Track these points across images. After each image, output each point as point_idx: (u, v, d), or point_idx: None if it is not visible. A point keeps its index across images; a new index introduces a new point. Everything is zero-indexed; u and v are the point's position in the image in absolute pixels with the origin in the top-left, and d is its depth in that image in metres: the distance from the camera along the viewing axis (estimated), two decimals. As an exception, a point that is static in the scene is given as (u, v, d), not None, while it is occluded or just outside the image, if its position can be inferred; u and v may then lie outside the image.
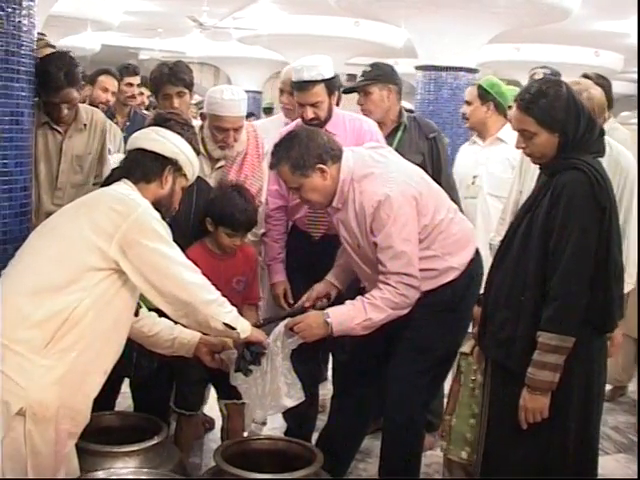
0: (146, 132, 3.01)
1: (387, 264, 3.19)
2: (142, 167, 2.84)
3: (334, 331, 3.21)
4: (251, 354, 3.05)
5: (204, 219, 3.63)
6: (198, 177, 3.28)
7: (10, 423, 2.45)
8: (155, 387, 3.65)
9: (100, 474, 2.80)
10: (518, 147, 2.95)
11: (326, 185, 3.26)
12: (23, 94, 3.16)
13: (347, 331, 3.24)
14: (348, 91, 4.48)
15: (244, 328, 2.93)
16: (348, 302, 3.25)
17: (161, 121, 3.17)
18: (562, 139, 2.80)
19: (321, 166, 3.22)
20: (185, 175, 2.94)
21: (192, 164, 2.96)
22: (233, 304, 2.93)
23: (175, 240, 2.78)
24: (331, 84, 3.93)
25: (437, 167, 4.34)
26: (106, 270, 2.59)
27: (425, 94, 8.43)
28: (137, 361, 3.42)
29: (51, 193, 3.68)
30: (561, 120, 2.78)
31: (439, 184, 4.21)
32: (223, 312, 2.82)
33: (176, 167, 2.89)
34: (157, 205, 2.81)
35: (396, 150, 4.18)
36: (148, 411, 3.43)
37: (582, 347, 2.75)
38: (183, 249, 2.84)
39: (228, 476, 2.92)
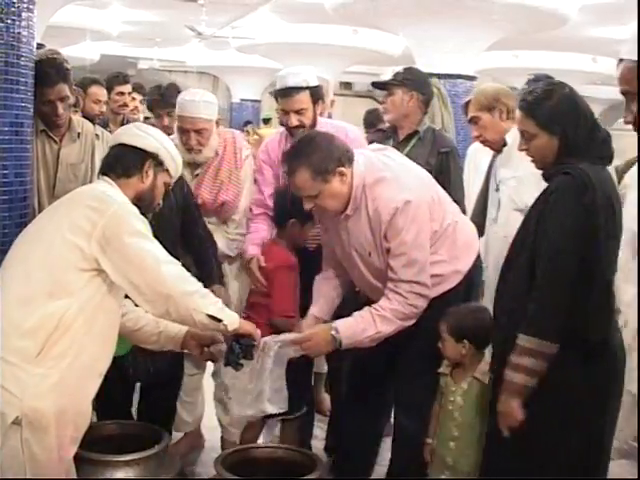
0: (127, 127, 3.05)
1: (399, 272, 3.16)
2: (122, 161, 2.83)
3: (343, 345, 3.16)
4: (240, 347, 2.91)
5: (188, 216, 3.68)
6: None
7: (6, 433, 2.45)
8: (162, 396, 3.65)
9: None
10: (520, 149, 2.90)
11: (343, 190, 3.17)
12: (22, 105, 3.17)
13: (355, 344, 3.19)
14: (377, 86, 4.59)
15: (232, 320, 2.81)
16: (357, 314, 3.19)
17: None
18: (562, 143, 2.76)
19: (341, 169, 3.14)
20: (167, 171, 2.92)
21: (174, 159, 2.94)
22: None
23: (158, 238, 2.76)
24: (315, 92, 3.95)
25: (445, 182, 4.34)
26: (89, 271, 2.58)
27: (423, 101, 8.41)
28: (150, 365, 3.42)
29: (50, 201, 3.70)
30: (561, 123, 2.74)
31: None
32: (206, 303, 2.73)
33: (157, 161, 2.88)
34: (139, 200, 2.81)
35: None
36: (153, 418, 3.44)
37: (586, 362, 2.68)
38: (167, 247, 2.78)
39: (229, 485, 2.92)
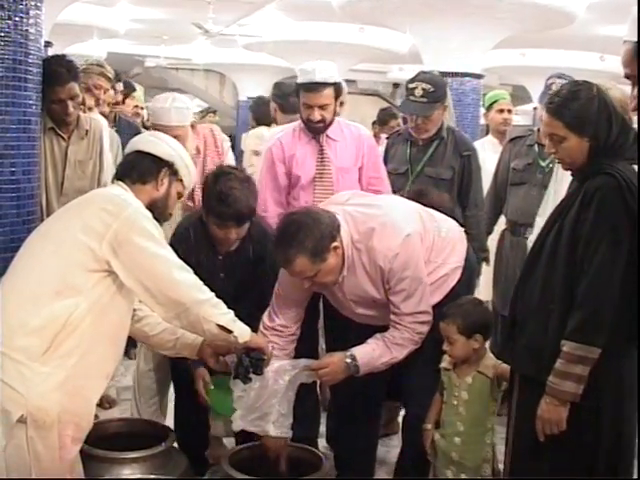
0: (144, 135, 3.07)
1: (400, 306, 3.18)
2: (138, 168, 2.85)
3: (360, 371, 3.19)
4: (250, 360, 2.95)
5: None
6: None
7: (12, 431, 2.45)
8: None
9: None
10: (549, 152, 2.85)
11: (339, 262, 3.15)
12: (30, 102, 3.18)
13: (371, 370, 3.22)
14: (415, 108, 4.37)
15: (242, 332, 2.84)
16: (371, 342, 3.21)
17: (221, 174, 3.37)
18: (593, 144, 2.68)
19: (335, 244, 3.10)
20: (181, 180, 2.94)
21: (189, 169, 2.97)
22: None
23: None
24: (338, 88, 3.96)
25: (467, 185, 4.35)
26: (99, 272, 2.59)
27: (430, 100, 8.40)
28: None
29: (58, 199, 3.71)
30: (591, 124, 2.67)
31: (466, 201, 4.31)
32: (217, 313, 2.75)
33: (172, 170, 2.90)
34: (152, 207, 2.81)
35: (428, 161, 4.29)
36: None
37: (612, 360, 2.62)
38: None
39: (235, 482, 2.92)
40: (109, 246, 2.56)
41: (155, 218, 2.77)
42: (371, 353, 3.19)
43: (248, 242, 3.53)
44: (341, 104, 4.08)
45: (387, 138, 4.93)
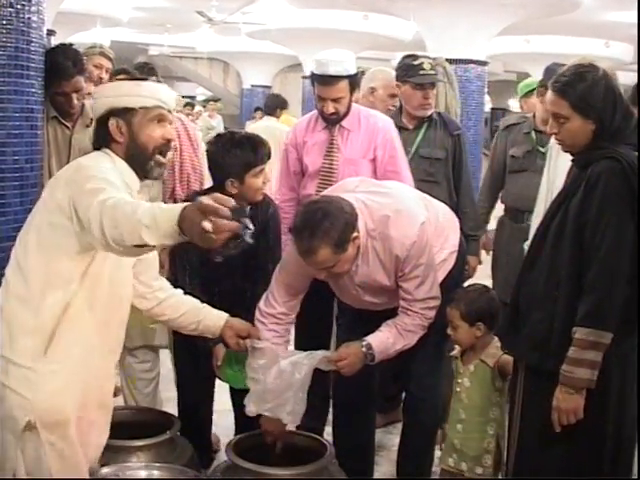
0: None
1: (413, 292, 3.17)
2: (95, 136, 2.61)
3: (375, 359, 3.18)
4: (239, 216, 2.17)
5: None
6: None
7: (22, 438, 2.41)
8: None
9: (111, 470, 2.80)
10: (550, 132, 2.82)
11: (356, 250, 3.09)
12: (33, 90, 3.18)
13: (384, 357, 3.21)
14: (426, 80, 4.37)
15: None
16: (384, 330, 3.19)
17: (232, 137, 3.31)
18: (597, 127, 2.65)
19: (355, 234, 3.04)
20: (141, 109, 2.55)
21: (136, 91, 2.58)
22: None
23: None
24: (354, 80, 3.90)
25: (459, 165, 4.37)
26: (82, 253, 2.41)
27: (435, 87, 8.40)
28: None
29: None
30: (597, 107, 2.64)
31: (459, 182, 4.32)
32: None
33: (118, 113, 2.54)
34: (133, 162, 2.55)
35: (421, 142, 4.30)
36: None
37: (617, 346, 2.60)
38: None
39: (240, 470, 2.93)
40: (74, 211, 2.33)
41: (144, 174, 2.58)
42: (386, 341, 3.17)
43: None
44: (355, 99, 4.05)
45: None
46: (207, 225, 1.95)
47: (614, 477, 2.74)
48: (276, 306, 3.26)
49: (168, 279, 3.03)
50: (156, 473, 2.85)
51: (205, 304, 3.02)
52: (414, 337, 3.20)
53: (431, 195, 3.59)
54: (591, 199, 2.60)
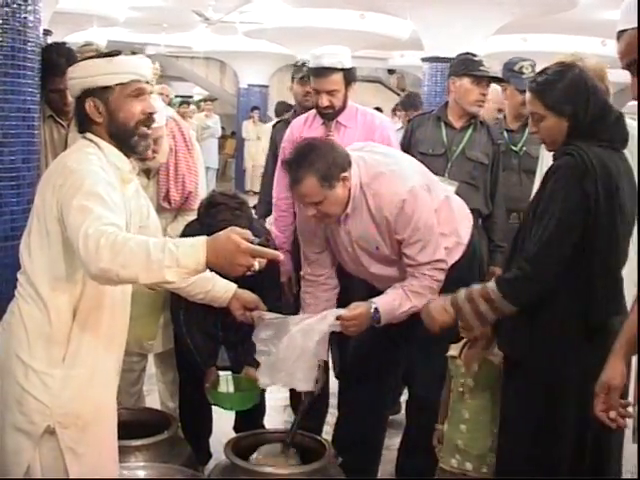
0: None
1: (417, 257, 3.19)
2: (76, 120, 2.54)
3: (381, 321, 3.21)
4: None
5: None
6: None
7: (41, 443, 2.39)
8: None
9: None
10: (531, 131, 2.90)
11: (345, 194, 3.17)
12: (30, 90, 3.18)
13: (391, 320, 3.24)
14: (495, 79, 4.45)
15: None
16: (390, 292, 3.24)
17: (210, 206, 3.28)
18: (570, 124, 2.73)
19: (345, 174, 3.13)
20: (117, 86, 2.45)
21: (111, 69, 2.45)
22: None
23: None
24: (349, 74, 3.90)
25: (496, 175, 4.30)
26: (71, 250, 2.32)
27: (432, 86, 8.43)
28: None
29: None
30: (570, 104, 2.71)
31: (495, 192, 4.28)
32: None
33: (94, 92, 2.44)
34: (121, 137, 2.47)
35: (467, 143, 4.25)
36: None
37: (573, 350, 2.68)
38: None
39: (239, 470, 2.93)
40: (62, 218, 2.28)
41: (130, 150, 2.49)
42: (392, 303, 3.21)
43: None
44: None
45: (409, 121, 4.89)
46: (257, 265, 2.13)
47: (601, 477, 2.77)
48: (307, 268, 3.48)
49: None
50: (154, 473, 2.85)
51: (214, 273, 2.86)
52: (422, 300, 3.19)
53: (468, 199, 3.62)
54: (542, 193, 2.70)
